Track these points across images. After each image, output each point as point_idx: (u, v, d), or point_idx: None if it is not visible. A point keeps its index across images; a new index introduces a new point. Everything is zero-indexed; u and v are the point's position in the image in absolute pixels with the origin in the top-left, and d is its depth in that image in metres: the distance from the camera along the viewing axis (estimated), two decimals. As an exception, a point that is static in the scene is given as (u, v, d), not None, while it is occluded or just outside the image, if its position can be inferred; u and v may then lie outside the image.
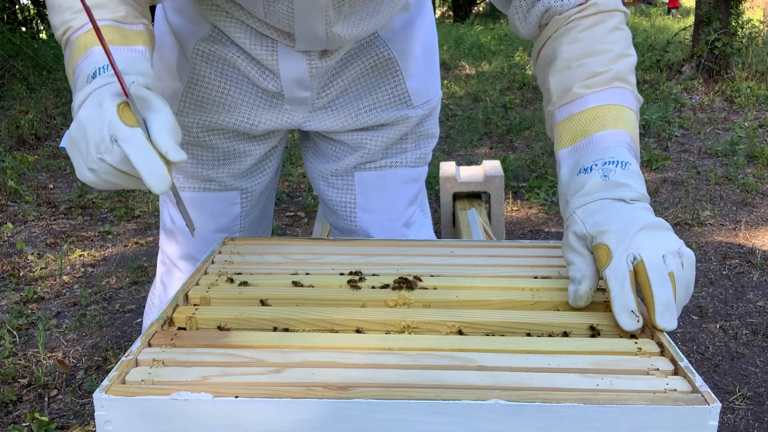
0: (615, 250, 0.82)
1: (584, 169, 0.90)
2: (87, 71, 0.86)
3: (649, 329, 0.86)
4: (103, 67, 0.85)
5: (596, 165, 0.89)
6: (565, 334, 0.86)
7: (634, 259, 0.81)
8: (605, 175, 0.88)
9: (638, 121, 0.98)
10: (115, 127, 0.77)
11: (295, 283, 0.99)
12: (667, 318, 0.79)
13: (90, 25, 0.89)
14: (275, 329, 0.88)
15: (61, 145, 0.91)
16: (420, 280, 1.00)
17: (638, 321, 0.81)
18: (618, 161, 0.89)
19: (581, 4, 1.00)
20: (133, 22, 0.96)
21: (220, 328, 0.87)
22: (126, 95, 0.80)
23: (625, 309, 0.81)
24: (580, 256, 0.88)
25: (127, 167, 0.78)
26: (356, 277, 1.01)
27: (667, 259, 0.79)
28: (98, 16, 0.87)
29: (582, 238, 0.87)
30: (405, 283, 0.98)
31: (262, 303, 0.94)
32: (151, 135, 0.79)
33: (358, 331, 0.87)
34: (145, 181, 0.77)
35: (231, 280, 1.00)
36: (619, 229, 0.82)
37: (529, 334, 0.86)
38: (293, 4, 1.03)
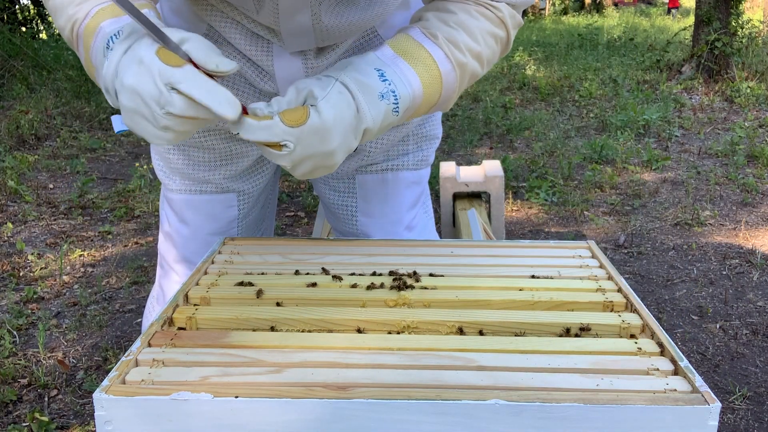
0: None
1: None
2: (101, 45, 0.84)
3: (648, 329, 0.86)
4: (115, 35, 0.82)
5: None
6: (567, 332, 0.86)
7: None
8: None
9: (437, 95, 0.99)
10: (166, 74, 0.75)
11: (313, 284, 0.99)
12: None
13: (94, 10, 0.88)
14: (273, 328, 0.88)
15: (118, 130, 0.88)
16: (414, 279, 1.00)
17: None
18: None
19: None
20: None
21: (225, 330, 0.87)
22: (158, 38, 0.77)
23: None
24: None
25: (193, 111, 0.77)
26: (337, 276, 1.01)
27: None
28: None
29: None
30: (399, 282, 0.98)
31: (258, 295, 0.94)
32: (195, 60, 0.78)
33: (358, 331, 0.87)
34: (216, 113, 0.76)
35: (242, 283, 1.00)
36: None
37: (527, 334, 0.86)
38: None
